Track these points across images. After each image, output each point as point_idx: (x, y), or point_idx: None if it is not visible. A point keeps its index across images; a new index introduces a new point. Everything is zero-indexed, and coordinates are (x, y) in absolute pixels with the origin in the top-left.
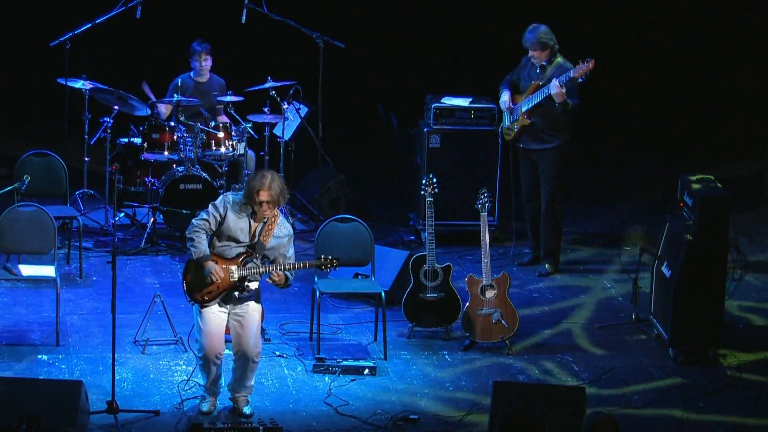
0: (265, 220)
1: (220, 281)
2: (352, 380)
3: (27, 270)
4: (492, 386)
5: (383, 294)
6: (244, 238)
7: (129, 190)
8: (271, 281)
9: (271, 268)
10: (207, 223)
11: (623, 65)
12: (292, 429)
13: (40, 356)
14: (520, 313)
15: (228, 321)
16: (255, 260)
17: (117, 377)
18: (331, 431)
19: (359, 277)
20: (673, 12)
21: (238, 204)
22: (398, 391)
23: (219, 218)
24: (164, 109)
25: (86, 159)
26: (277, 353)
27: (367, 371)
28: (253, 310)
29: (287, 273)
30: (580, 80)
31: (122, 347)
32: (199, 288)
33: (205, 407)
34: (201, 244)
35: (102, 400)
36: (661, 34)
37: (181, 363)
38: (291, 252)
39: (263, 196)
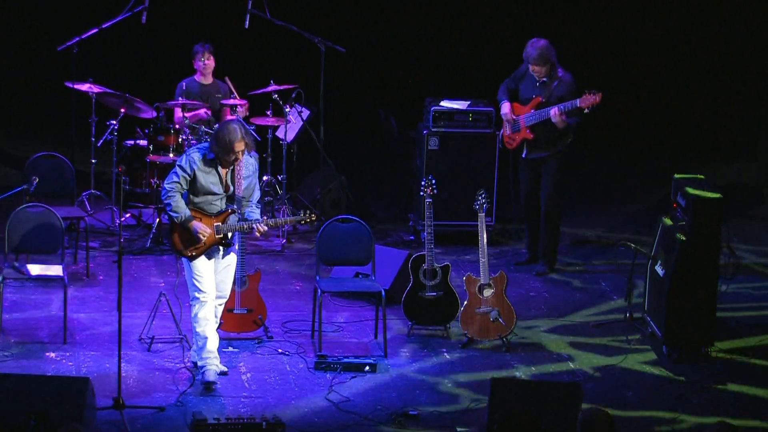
0: (232, 166)
1: (206, 238)
2: (353, 377)
3: (35, 269)
4: (490, 383)
5: (383, 293)
6: (219, 190)
7: (135, 191)
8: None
9: (252, 224)
10: (179, 185)
11: (619, 68)
12: (294, 425)
13: (47, 353)
14: (517, 311)
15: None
16: (236, 215)
17: (123, 374)
18: (332, 427)
19: (360, 276)
20: (668, 15)
21: (203, 160)
22: (398, 387)
23: (188, 178)
24: (179, 113)
25: (93, 161)
26: (280, 350)
27: (367, 368)
28: (232, 258)
29: (266, 227)
30: (586, 110)
31: (128, 345)
32: (187, 244)
33: (210, 377)
34: (180, 208)
35: (108, 396)
36: (656, 37)
37: (186, 360)
38: (257, 183)
39: (239, 146)
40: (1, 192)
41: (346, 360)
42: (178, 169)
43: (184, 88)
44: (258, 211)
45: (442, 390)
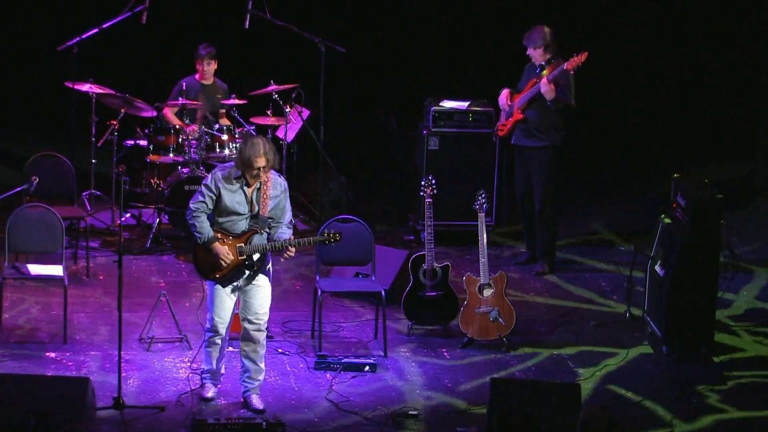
0: (258, 185)
1: (229, 261)
2: (353, 377)
3: (35, 269)
4: (490, 383)
5: (383, 293)
6: (244, 209)
7: (135, 191)
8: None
9: (276, 245)
10: (204, 205)
11: (618, 67)
12: (295, 425)
13: (48, 353)
14: (516, 311)
15: (238, 297)
16: (260, 235)
17: (123, 374)
18: (332, 427)
19: (360, 276)
20: (666, 15)
21: (228, 178)
22: (398, 387)
23: (214, 197)
24: (170, 115)
25: (93, 161)
26: (280, 350)
27: (367, 368)
28: (262, 281)
29: (292, 247)
30: (571, 72)
31: (128, 345)
32: (210, 267)
33: (208, 393)
34: (204, 229)
35: (108, 396)
36: (655, 36)
37: (186, 360)
38: (288, 205)
39: (260, 162)
40: (2, 192)
41: (346, 360)
42: (204, 189)
43: (184, 88)
44: (289, 231)
45: (442, 390)
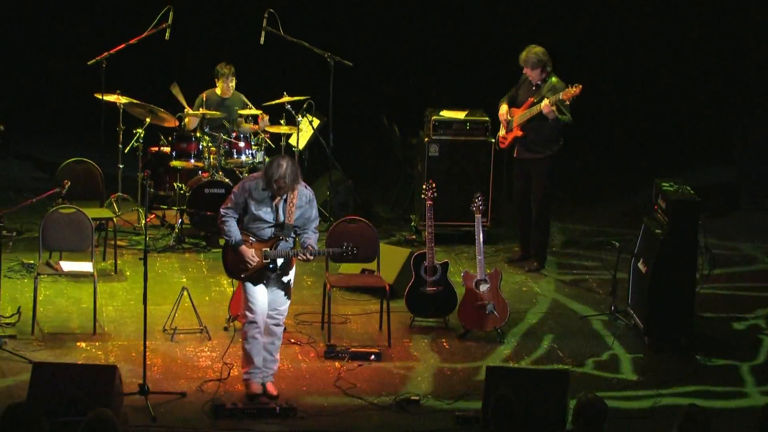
0: (285, 196)
1: (254, 263)
2: (360, 365)
3: (67, 266)
4: (485, 371)
5: (387, 288)
6: (270, 218)
7: (159, 194)
8: (299, 259)
9: (299, 251)
10: (232, 210)
11: (607, 74)
12: (306, 409)
13: (78, 343)
14: (510, 305)
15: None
16: (286, 241)
17: (148, 362)
18: (340, 411)
19: (366, 272)
20: (653, 22)
21: (256, 189)
22: (401, 375)
23: (241, 204)
24: (191, 122)
25: (120, 166)
26: (292, 340)
27: (373, 357)
28: (286, 280)
29: (311, 255)
30: (567, 102)
31: (152, 335)
32: (237, 268)
33: (253, 389)
34: (232, 233)
35: (134, 383)
36: (640, 43)
37: (206, 350)
38: (315, 213)
39: (279, 183)
40: (36, 195)
41: (353, 349)
42: (232, 197)
43: (204, 99)
44: (314, 236)
45: (442, 377)
